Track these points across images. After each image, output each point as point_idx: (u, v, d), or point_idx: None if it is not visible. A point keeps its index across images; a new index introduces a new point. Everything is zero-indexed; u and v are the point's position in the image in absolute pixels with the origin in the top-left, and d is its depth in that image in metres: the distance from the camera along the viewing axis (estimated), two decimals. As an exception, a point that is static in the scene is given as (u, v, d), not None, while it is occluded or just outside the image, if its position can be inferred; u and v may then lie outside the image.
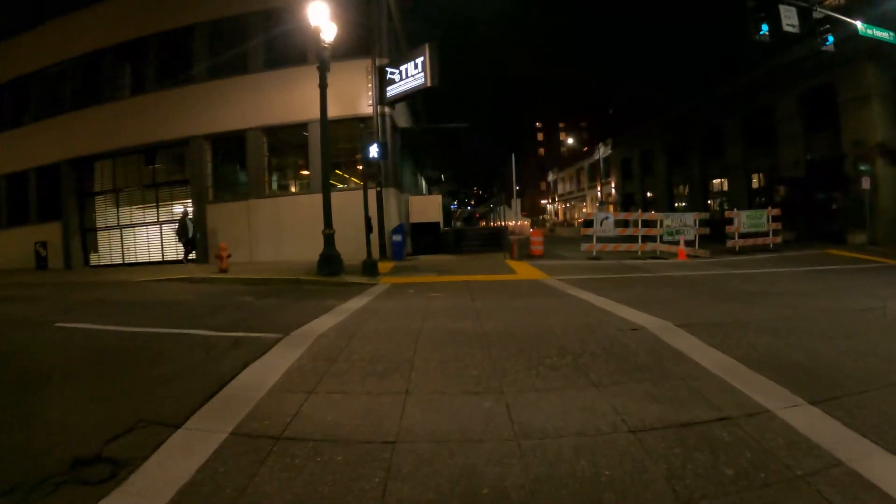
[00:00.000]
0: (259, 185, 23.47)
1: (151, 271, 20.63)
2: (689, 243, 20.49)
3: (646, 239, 21.35)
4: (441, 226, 24.95)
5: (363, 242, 18.53)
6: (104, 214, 27.67)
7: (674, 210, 41.40)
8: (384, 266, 18.60)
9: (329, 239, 15.97)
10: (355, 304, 10.71)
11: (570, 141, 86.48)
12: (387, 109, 22.01)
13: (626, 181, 57.10)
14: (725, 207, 32.06)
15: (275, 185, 24.03)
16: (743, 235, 22.03)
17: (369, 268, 15.87)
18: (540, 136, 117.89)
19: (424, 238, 24.12)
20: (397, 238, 20.81)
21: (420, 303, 10.63)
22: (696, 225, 21.48)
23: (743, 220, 22.36)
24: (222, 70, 24.21)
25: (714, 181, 40.46)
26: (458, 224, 39.06)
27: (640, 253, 21.10)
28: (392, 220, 21.63)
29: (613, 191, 60.90)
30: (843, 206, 26.24)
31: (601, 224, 21.57)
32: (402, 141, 25.56)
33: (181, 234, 21.47)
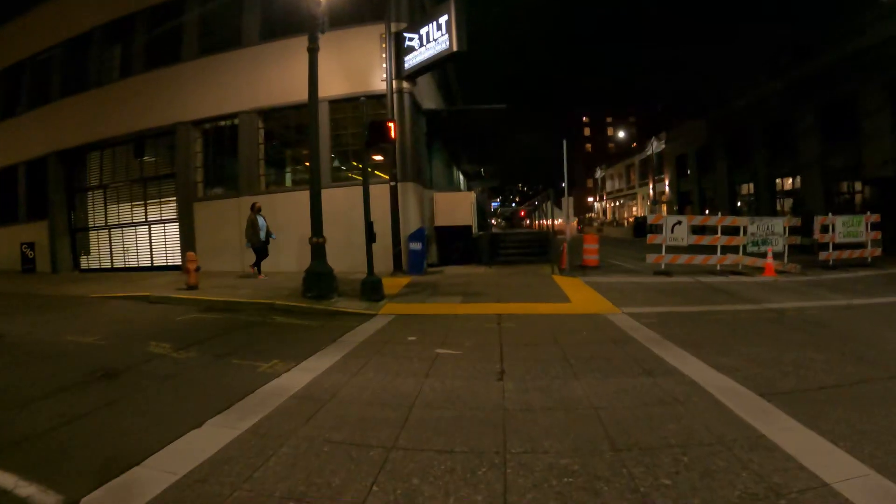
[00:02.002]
0: (252, 179, 19.57)
1: (125, 282, 17.53)
2: (776, 255, 16.59)
3: (725, 249, 17.04)
4: (474, 229, 20.50)
5: (386, 250, 16.51)
6: (95, 213, 24.60)
7: (736, 212, 38.51)
8: (395, 284, 14.62)
9: (318, 250, 12.27)
10: (306, 373, 6.66)
11: (622, 135, 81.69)
12: (405, 85, 17.89)
13: (680, 179, 52.92)
14: (808, 210, 27.22)
15: (271, 179, 19.94)
16: (837, 246, 17.89)
17: (370, 289, 12.03)
18: (587, 132, 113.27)
19: (453, 244, 19.89)
20: (415, 246, 16.75)
21: (411, 378, 6.36)
22: (785, 233, 17.15)
23: (839, 227, 17.98)
24: (214, 45, 20.68)
25: (780, 180, 36.19)
26: (497, 225, 34.47)
27: (718, 267, 16.85)
28: (411, 223, 17.55)
29: (667, 189, 56.59)
30: None
31: (672, 230, 17.16)
32: (430, 126, 21.51)
33: (252, 236, 16.80)
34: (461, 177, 38.59)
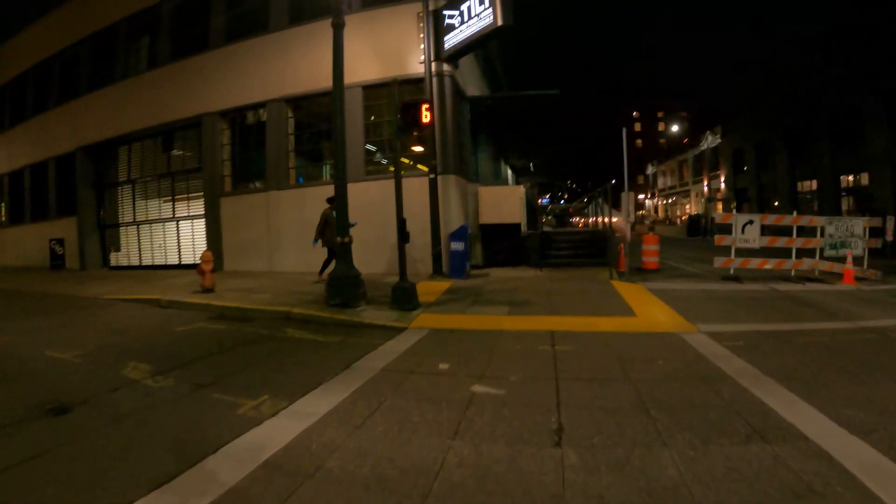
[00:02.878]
0: (281, 173, 18.07)
1: (145, 282, 16.43)
2: (855, 260, 14.85)
3: (800, 253, 15.18)
4: (522, 227, 18.71)
5: (425, 250, 15.52)
6: (124, 209, 23.72)
7: (797, 210, 35.22)
8: (433, 289, 13.02)
9: (343, 251, 10.86)
10: (296, 420, 5.10)
11: (675, 128, 78.83)
12: (446, 67, 16.13)
13: (737, 175, 50.98)
14: (878, 208, 24.97)
15: (302, 173, 18.45)
16: None
17: (402, 297, 10.48)
18: (637, 127, 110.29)
19: (499, 244, 18.08)
20: (457, 246, 14.98)
21: (434, 438, 4.63)
22: (865, 235, 15.29)
23: None
24: (241, 31, 19.28)
25: (847, 176, 34.32)
26: (548, 223, 32.57)
27: (792, 273, 15.03)
28: (452, 221, 15.81)
29: (723, 186, 54.48)
30: None
31: (742, 231, 15.31)
32: (474, 115, 19.75)
33: (328, 235, 14.32)
34: (509, 172, 36.77)
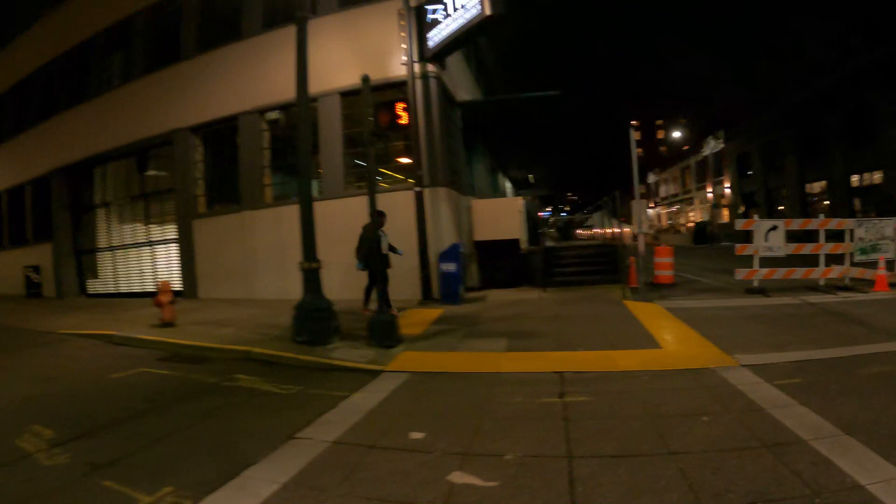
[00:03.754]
0: (256, 191, 16.54)
1: (110, 312, 15.11)
2: (888, 264, 13.75)
3: (829, 259, 13.94)
4: (522, 243, 17.06)
5: (413, 273, 13.89)
6: (101, 233, 22.30)
7: (807, 213, 35.85)
8: (421, 318, 11.48)
9: (310, 278, 9.27)
10: None
11: (677, 134, 77.32)
12: (431, 67, 14.58)
13: (742, 179, 49.81)
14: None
15: (281, 191, 16.93)
16: None
17: (380, 332, 8.90)
18: (637, 136, 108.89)
19: (497, 262, 16.42)
20: (448, 267, 13.37)
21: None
22: None
23: None
24: (213, 40, 17.87)
25: (858, 176, 33.27)
26: (550, 237, 30.97)
27: (821, 282, 13.67)
28: (444, 238, 14.22)
29: (727, 191, 53.15)
30: None
31: (766, 238, 13.87)
32: (467, 122, 18.25)
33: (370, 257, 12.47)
34: (508, 185, 35.25)
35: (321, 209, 14.16)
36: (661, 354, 7.71)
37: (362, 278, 12.70)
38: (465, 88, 19.00)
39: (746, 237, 14.16)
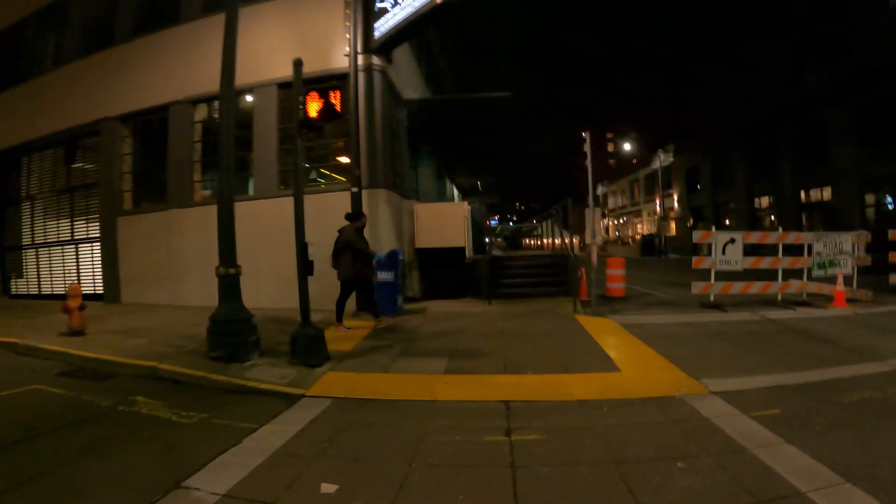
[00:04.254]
0: (185, 188, 15.30)
1: (23, 317, 13.50)
2: (846, 279, 13.58)
3: (786, 274, 13.91)
4: (468, 252, 16.19)
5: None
6: (25, 229, 20.37)
7: (755, 226, 36.20)
8: (352, 333, 10.43)
9: (227, 285, 8.13)
10: None
11: (627, 147, 77.56)
12: (376, 60, 13.60)
13: (691, 193, 49.72)
14: (847, 223, 23.79)
15: (209, 188, 15.73)
16: None
17: (304, 348, 7.89)
18: (586, 148, 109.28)
19: (440, 272, 15.35)
20: (385, 277, 12.23)
21: None
22: (854, 252, 14.02)
23: None
24: (150, 23, 16.51)
25: (807, 192, 33.41)
26: (497, 246, 30.07)
27: (779, 297, 13.49)
28: (382, 244, 13.14)
29: (676, 204, 53.20)
30: None
31: (723, 251, 13.38)
32: (414, 121, 17.30)
33: (340, 260, 10.88)
34: (455, 192, 34.36)
35: (252, 209, 13.23)
36: (620, 379, 6.89)
37: (295, 285, 11.73)
38: (413, 88, 18.07)
39: (695, 249, 13.66)
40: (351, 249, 10.47)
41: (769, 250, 13.90)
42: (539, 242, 28.53)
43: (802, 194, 33.49)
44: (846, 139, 28.47)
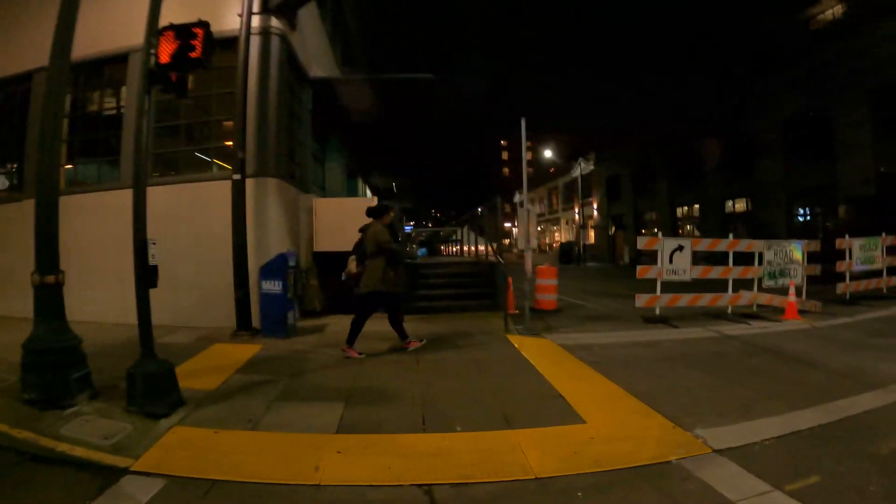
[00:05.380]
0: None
1: None
2: (796, 290, 13.04)
3: (738, 284, 12.93)
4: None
5: (228, 293, 9.86)
6: None
7: (678, 234, 36.23)
8: (227, 359, 7.99)
9: (47, 298, 5.63)
10: None
11: (549, 154, 76.66)
12: (274, 23, 11.23)
13: (612, 202, 49.48)
14: (773, 233, 23.74)
15: (83, 175, 12.95)
16: (853, 276, 14.85)
17: (144, 389, 5.59)
18: (505, 156, 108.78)
19: (347, 282, 12.65)
20: (272, 287, 9.75)
21: None
22: (804, 261, 13.40)
23: (856, 252, 14.91)
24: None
25: (732, 202, 34.32)
26: (416, 250, 27.93)
27: (729, 310, 12.54)
28: (271, 245, 10.70)
29: (595, 212, 53.00)
30: None
31: (670, 259, 12.03)
32: (320, 105, 14.93)
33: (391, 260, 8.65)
34: (368, 193, 32.11)
35: (122, 200, 10.66)
36: (588, 435, 4.94)
37: (179, 291, 9.38)
38: (323, 67, 15.71)
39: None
40: (384, 254, 8.32)
41: (715, 259, 13.22)
42: (460, 249, 26.12)
43: (729, 204, 33.98)
44: (772, 152, 29.03)
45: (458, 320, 11.85)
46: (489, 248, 15.72)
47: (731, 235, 12.98)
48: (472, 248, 20.14)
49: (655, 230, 38.08)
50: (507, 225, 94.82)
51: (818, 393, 6.27)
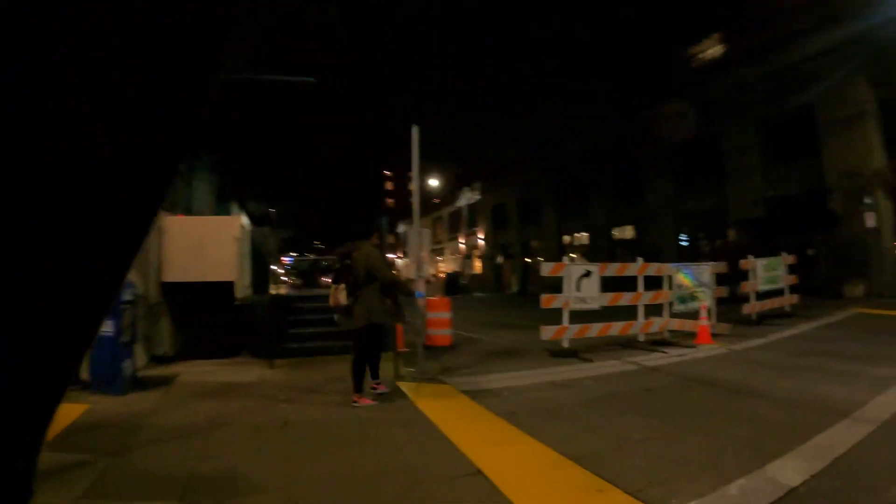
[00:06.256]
0: None
1: None
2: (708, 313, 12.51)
3: (649, 310, 12.34)
4: (245, 289, 11.70)
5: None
6: None
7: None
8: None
9: None
10: None
11: (434, 183, 75.99)
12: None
13: (498, 230, 49.16)
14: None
15: None
16: (760, 295, 14.86)
17: None
18: (390, 185, 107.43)
19: (203, 317, 10.48)
20: (102, 329, 7.48)
21: None
22: (713, 284, 13.11)
23: (760, 272, 14.86)
24: None
25: (622, 228, 34.96)
26: (290, 283, 25.86)
27: (641, 338, 11.74)
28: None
29: (480, 242, 52.32)
30: (836, 251, 21.00)
31: (577, 286, 10.96)
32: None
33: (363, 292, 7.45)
34: (245, 220, 29.94)
35: None
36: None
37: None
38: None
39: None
40: (379, 280, 7.28)
41: (618, 286, 12.01)
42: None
43: (616, 231, 34.68)
44: (661, 177, 29.64)
45: (337, 365, 9.54)
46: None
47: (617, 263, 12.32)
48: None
49: (542, 259, 38.21)
50: (392, 256, 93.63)
51: (784, 431, 5.43)
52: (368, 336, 7.32)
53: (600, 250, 33.68)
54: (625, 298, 11.73)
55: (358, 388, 7.13)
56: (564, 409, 6.55)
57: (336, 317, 7.71)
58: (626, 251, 32.06)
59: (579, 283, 11.02)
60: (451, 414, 6.43)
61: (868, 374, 7.81)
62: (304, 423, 6.28)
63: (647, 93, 30.64)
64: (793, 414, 6.03)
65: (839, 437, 5.14)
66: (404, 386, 7.99)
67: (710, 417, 6.10)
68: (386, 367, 9.03)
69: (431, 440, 5.49)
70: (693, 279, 12.73)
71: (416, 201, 10.44)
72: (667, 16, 28.91)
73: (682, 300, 12.45)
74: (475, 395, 7.32)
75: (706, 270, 13.05)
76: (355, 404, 6.93)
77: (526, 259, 43.12)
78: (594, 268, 11.25)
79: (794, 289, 15.74)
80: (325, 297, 8.16)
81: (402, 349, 10.39)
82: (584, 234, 37.59)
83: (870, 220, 19.20)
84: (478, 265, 52.58)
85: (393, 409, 6.81)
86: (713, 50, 28.04)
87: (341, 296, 7.34)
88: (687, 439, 5.28)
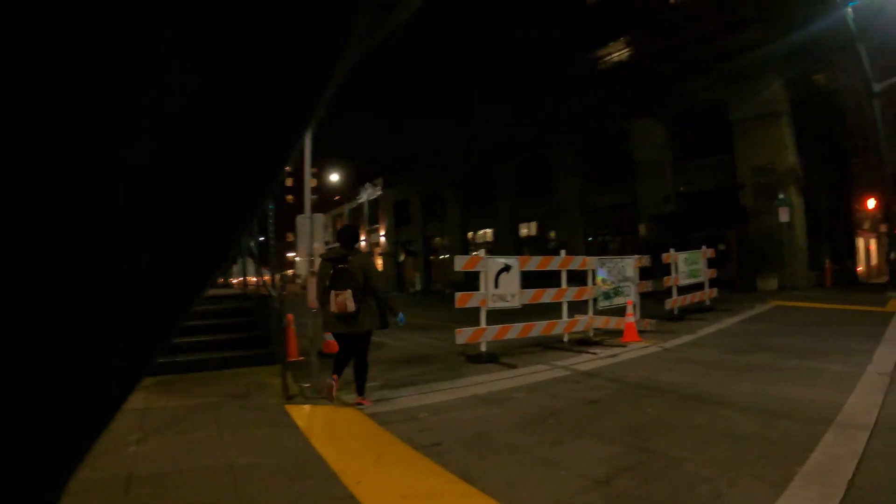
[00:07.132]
0: None
1: None
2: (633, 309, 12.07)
3: (573, 308, 11.38)
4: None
5: None
6: None
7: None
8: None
9: None
10: None
11: (335, 178, 73.99)
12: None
13: (400, 227, 48.63)
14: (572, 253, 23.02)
15: None
16: (681, 290, 14.64)
17: None
18: (289, 182, 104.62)
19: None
20: None
21: None
22: (637, 278, 12.75)
23: (682, 266, 14.76)
24: None
25: (529, 224, 34.84)
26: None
27: (566, 338, 10.94)
28: None
29: (382, 239, 51.54)
30: (749, 245, 22.05)
31: (496, 283, 9.78)
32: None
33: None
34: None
35: None
36: None
37: None
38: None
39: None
40: (372, 286, 7.05)
41: (538, 282, 11.22)
42: (225, 280, 20.36)
43: (523, 228, 34.57)
44: (569, 172, 29.62)
45: (214, 383, 7.88)
46: (264, 278, 12.05)
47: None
48: (244, 279, 15.79)
49: (446, 255, 37.33)
50: (290, 255, 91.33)
51: (772, 449, 4.58)
52: (367, 341, 7.23)
53: (506, 247, 32.86)
54: (548, 295, 10.84)
55: (361, 391, 6.92)
56: (502, 435, 5.20)
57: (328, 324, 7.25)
58: (532, 248, 31.81)
59: (498, 279, 9.78)
60: (352, 451, 4.87)
61: (824, 371, 7.35)
62: (155, 475, 4.37)
63: (554, 88, 30.25)
64: (769, 424, 5.21)
65: (837, 452, 4.41)
66: (293, 411, 6.30)
67: (678, 436, 5.03)
68: (272, 384, 7.44)
69: (326, 495, 3.85)
70: (610, 278, 12.14)
71: (306, 192, 8.95)
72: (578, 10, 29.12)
73: (607, 296, 11.92)
74: (386, 420, 5.80)
75: (630, 264, 12.62)
76: (360, 406, 6.69)
77: (430, 256, 42.71)
78: (514, 261, 10.17)
79: (712, 283, 15.82)
80: (207, 300, 6.97)
81: (295, 358, 9.10)
82: (489, 230, 37.00)
83: (784, 216, 19.69)
84: (379, 263, 51.23)
85: (277, 449, 4.97)
86: (623, 49, 28.22)
87: (349, 302, 6.74)
88: (668, 471, 4.15)
